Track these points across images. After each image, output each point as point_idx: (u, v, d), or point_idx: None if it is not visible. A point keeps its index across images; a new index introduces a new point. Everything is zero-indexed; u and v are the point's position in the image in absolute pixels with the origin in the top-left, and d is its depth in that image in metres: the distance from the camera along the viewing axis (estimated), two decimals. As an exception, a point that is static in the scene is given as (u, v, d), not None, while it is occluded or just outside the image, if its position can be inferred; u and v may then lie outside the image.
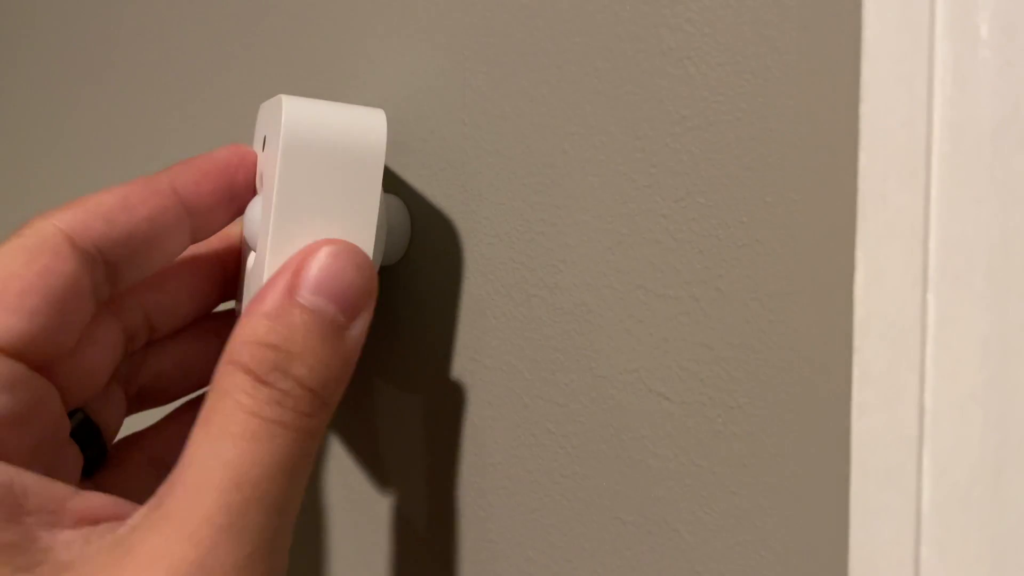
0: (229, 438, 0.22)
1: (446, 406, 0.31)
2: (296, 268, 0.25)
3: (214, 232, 0.29)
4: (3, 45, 0.54)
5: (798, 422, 0.23)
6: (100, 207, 0.26)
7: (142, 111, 0.43)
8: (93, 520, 0.23)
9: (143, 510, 0.23)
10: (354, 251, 0.26)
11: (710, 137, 0.24)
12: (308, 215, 0.26)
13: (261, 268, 0.26)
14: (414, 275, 0.30)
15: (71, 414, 0.27)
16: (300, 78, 0.34)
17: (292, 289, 0.25)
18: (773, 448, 0.24)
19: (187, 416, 0.31)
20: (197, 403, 0.31)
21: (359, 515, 0.34)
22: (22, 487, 0.23)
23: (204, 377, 0.30)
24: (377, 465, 0.33)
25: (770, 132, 0.23)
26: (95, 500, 0.23)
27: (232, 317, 0.31)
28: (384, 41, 0.31)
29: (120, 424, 0.29)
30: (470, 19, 0.29)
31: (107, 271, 0.26)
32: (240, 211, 0.29)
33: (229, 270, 0.31)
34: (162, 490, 0.23)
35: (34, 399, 0.24)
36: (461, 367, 0.30)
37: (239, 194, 0.28)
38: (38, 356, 0.24)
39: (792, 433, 0.24)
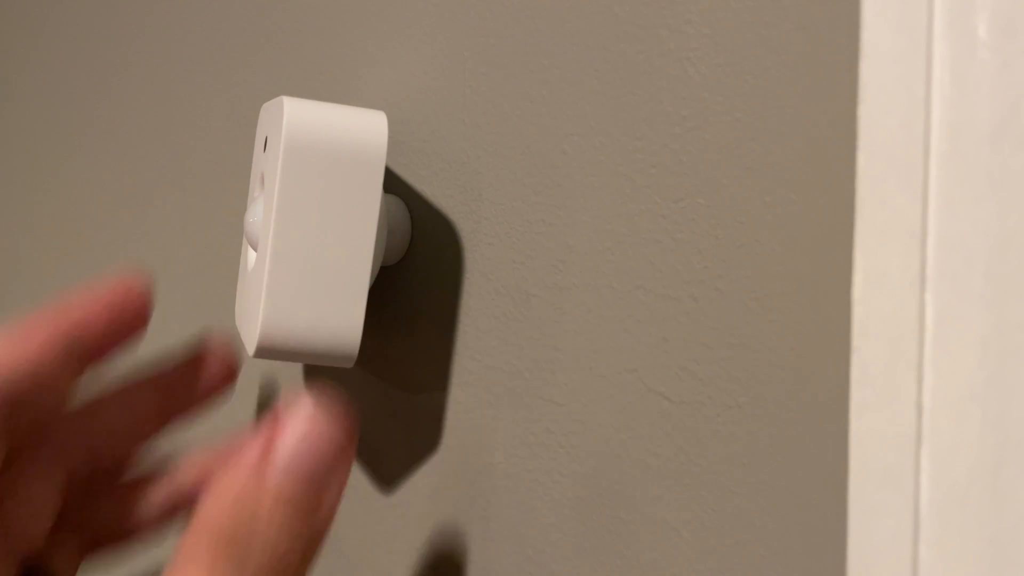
0: None
1: (446, 406, 0.31)
2: (267, 438, 0.24)
3: (105, 359, 0.28)
4: (3, 46, 0.54)
5: (797, 421, 0.23)
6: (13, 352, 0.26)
7: (145, 112, 0.44)
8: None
9: None
10: (325, 420, 0.25)
11: (709, 138, 0.24)
12: (309, 216, 0.26)
13: (262, 269, 0.26)
14: (414, 275, 0.30)
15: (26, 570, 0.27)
16: (301, 79, 0.34)
17: (264, 463, 0.24)
18: (772, 448, 0.24)
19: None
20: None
21: (359, 514, 0.34)
22: (6, 523, 0.23)
23: (159, 519, 0.30)
24: (377, 464, 0.33)
25: (769, 133, 0.23)
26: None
27: (193, 453, 0.30)
28: (385, 42, 0.31)
29: (74, 572, 0.29)
30: (470, 20, 0.29)
31: (10, 413, 0.26)
32: (128, 343, 0.28)
33: (166, 392, 0.30)
34: None
35: None
36: (461, 367, 0.30)
37: (124, 329, 0.28)
38: None
39: (791, 432, 0.24)
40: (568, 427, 0.28)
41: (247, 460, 0.24)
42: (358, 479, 0.34)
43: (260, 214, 0.28)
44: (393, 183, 0.31)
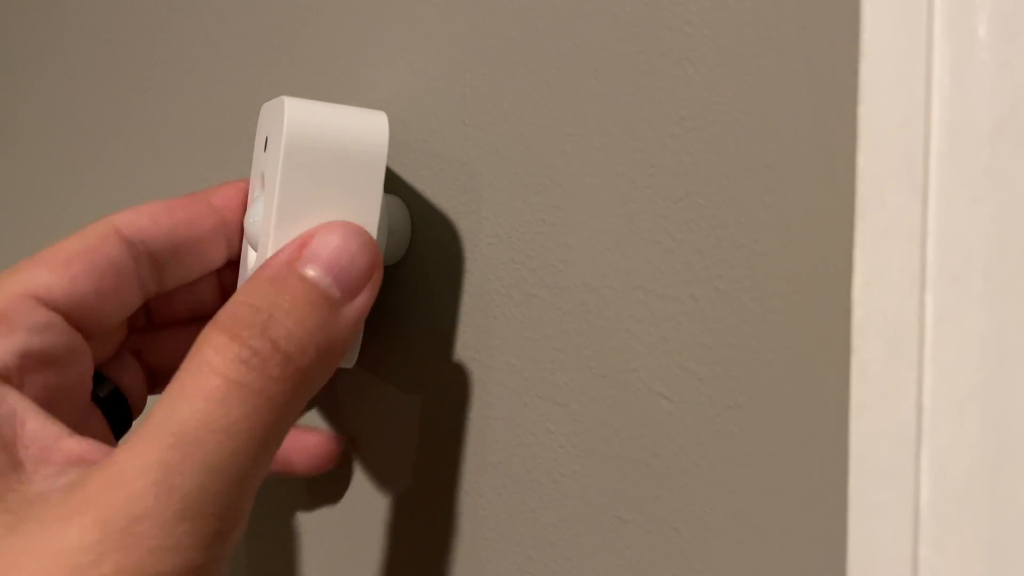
0: (185, 396, 0.22)
1: (446, 406, 0.31)
2: (301, 241, 0.25)
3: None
4: (3, 47, 0.54)
5: (797, 421, 0.23)
6: (146, 208, 0.28)
7: (144, 111, 0.44)
8: (79, 461, 0.24)
9: (105, 458, 0.23)
10: (360, 232, 0.26)
11: (709, 138, 0.24)
12: (310, 216, 0.26)
13: None
14: (414, 275, 0.30)
15: (101, 381, 0.29)
16: (302, 79, 0.34)
17: (293, 260, 0.25)
18: (772, 447, 0.24)
19: None
20: None
21: (360, 514, 0.34)
22: (22, 419, 0.24)
23: None
24: (377, 464, 0.33)
25: (769, 133, 0.23)
26: (87, 444, 0.24)
27: None
28: (385, 42, 0.31)
29: (144, 398, 0.30)
30: (470, 20, 0.29)
31: (152, 266, 0.28)
32: None
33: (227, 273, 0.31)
34: (121, 440, 0.24)
35: (64, 348, 0.26)
36: (461, 367, 0.30)
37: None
38: (76, 316, 0.26)
39: (791, 432, 0.24)
40: (568, 427, 0.28)
41: (281, 255, 0.25)
42: (358, 479, 0.34)
43: (260, 214, 0.28)
44: (393, 183, 0.31)
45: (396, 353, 0.32)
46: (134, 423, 0.30)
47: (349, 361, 0.29)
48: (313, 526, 0.36)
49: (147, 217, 0.28)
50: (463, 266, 0.29)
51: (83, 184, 0.49)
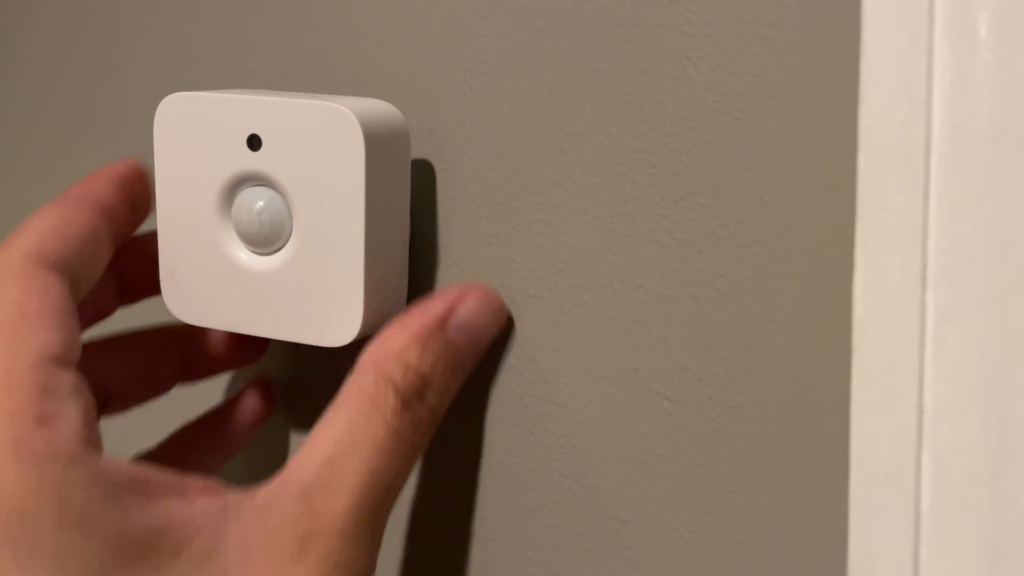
0: (372, 449, 0.25)
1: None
2: (451, 304, 0.27)
3: (127, 237, 0.29)
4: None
5: (798, 422, 0.23)
6: (51, 228, 0.27)
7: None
8: (210, 491, 0.24)
9: (273, 486, 0.24)
10: (497, 298, 0.28)
11: (710, 138, 0.24)
12: (381, 207, 0.28)
13: (351, 263, 0.27)
14: (414, 275, 0.30)
15: None
16: (301, 79, 0.34)
17: (444, 322, 0.27)
18: (773, 448, 0.24)
19: (184, 444, 0.32)
20: (194, 430, 0.32)
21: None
22: (144, 474, 0.24)
23: (162, 383, 0.32)
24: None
25: (769, 133, 0.23)
26: (193, 476, 0.24)
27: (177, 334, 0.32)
28: (385, 42, 0.31)
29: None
30: (470, 20, 0.29)
31: (72, 287, 0.27)
32: (142, 218, 0.29)
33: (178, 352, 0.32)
34: (299, 473, 0.24)
35: (88, 402, 0.25)
36: (461, 367, 0.30)
37: (139, 203, 0.29)
38: (73, 362, 0.26)
39: (791, 433, 0.24)
40: (568, 427, 0.28)
41: (432, 314, 0.27)
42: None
43: (267, 212, 0.28)
44: (393, 183, 0.31)
45: (396, 353, 0.32)
46: None
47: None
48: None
49: (57, 237, 0.26)
50: (463, 266, 0.29)
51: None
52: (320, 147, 0.27)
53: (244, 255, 0.29)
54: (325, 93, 0.32)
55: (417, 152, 0.30)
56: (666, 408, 0.26)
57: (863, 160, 0.20)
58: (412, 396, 0.26)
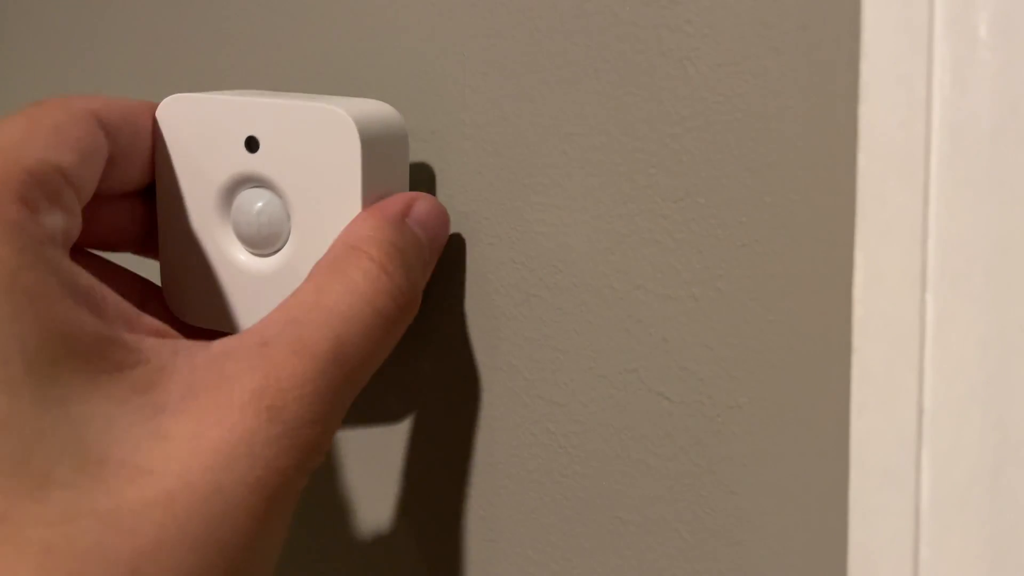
0: (341, 316, 0.24)
1: (446, 406, 0.31)
2: (407, 200, 0.27)
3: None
4: None
5: (797, 422, 0.23)
6: (117, 101, 0.27)
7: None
8: (163, 334, 0.24)
9: (235, 341, 0.23)
10: (440, 205, 0.28)
11: (709, 138, 0.24)
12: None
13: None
14: (414, 275, 0.30)
15: None
16: (301, 79, 0.34)
17: (405, 214, 0.27)
18: (772, 447, 0.24)
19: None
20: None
21: (360, 515, 0.34)
22: (101, 292, 0.23)
23: (123, 241, 0.31)
24: (378, 465, 0.33)
25: (769, 133, 0.23)
26: (156, 320, 0.24)
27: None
28: (384, 42, 0.31)
29: None
30: (471, 20, 0.29)
31: (109, 162, 0.27)
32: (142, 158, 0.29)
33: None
34: (264, 331, 0.24)
35: (78, 231, 0.25)
36: (461, 367, 0.30)
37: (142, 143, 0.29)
38: (80, 196, 0.25)
39: (791, 432, 0.24)
40: (568, 427, 0.28)
41: (392, 207, 0.27)
42: (357, 479, 0.34)
43: (267, 214, 0.28)
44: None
45: (396, 353, 0.32)
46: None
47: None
48: (313, 526, 0.36)
49: (118, 111, 0.27)
50: (463, 266, 0.29)
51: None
52: (317, 149, 0.27)
53: (244, 256, 0.29)
54: (325, 94, 0.32)
55: (417, 152, 0.30)
56: (666, 408, 0.26)
57: (863, 160, 0.20)
58: (388, 263, 0.25)
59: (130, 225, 0.30)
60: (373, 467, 0.34)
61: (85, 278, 0.23)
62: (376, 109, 0.28)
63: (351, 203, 0.27)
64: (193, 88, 0.36)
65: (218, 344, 0.23)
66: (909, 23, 0.20)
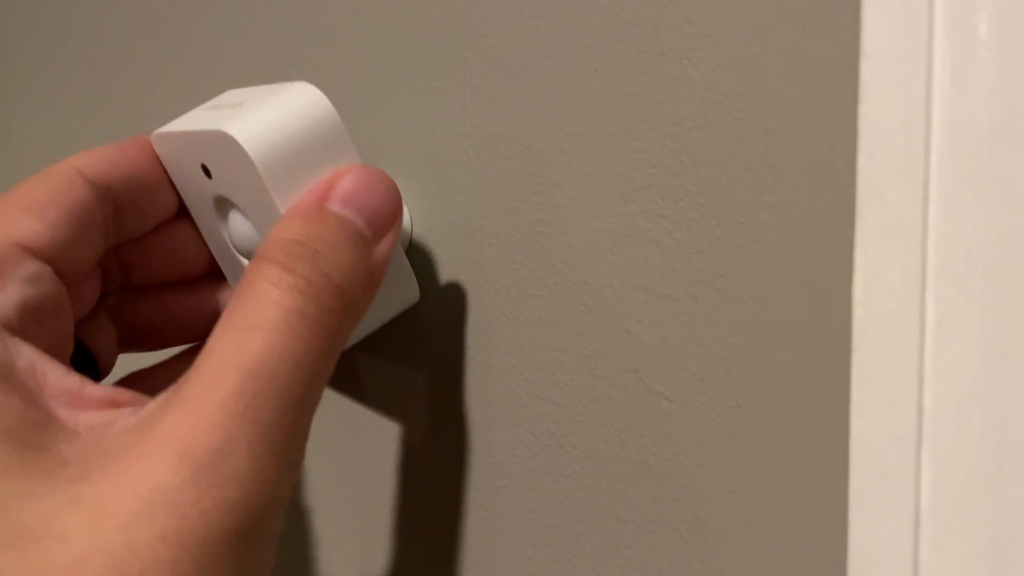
0: (249, 329, 0.22)
1: (446, 406, 0.31)
2: (328, 183, 0.26)
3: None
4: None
5: (797, 422, 0.24)
6: (100, 151, 0.28)
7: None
8: (112, 405, 0.23)
9: (162, 395, 0.23)
10: (381, 173, 0.26)
11: (709, 138, 0.24)
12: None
13: None
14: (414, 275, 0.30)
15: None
16: (299, 78, 0.34)
17: (323, 199, 0.25)
18: (772, 448, 0.24)
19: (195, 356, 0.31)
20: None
21: (360, 514, 0.34)
22: (43, 370, 0.23)
23: (196, 331, 0.31)
24: (378, 465, 0.33)
25: (769, 133, 0.23)
26: (111, 389, 0.24)
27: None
28: (384, 42, 0.31)
29: (114, 358, 0.30)
30: (470, 20, 0.29)
31: (114, 210, 0.27)
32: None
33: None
34: (182, 377, 0.23)
35: (55, 300, 0.25)
36: (461, 367, 0.30)
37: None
38: (58, 266, 0.26)
39: (791, 432, 0.24)
40: (568, 427, 0.28)
41: (309, 197, 0.25)
42: (357, 478, 0.34)
43: (245, 228, 0.28)
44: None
45: (396, 353, 0.32)
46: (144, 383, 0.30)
47: (414, 296, 0.29)
48: (313, 526, 0.36)
49: (105, 160, 0.27)
50: (463, 266, 0.29)
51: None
52: (232, 167, 0.26)
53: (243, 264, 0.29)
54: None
55: (417, 152, 0.30)
56: (666, 408, 0.26)
57: (863, 160, 0.20)
58: (296, 260, 0.24)
59: (199, 243, 0.31)
60: (373, 467, 0.34)
61: (25, 358, 0.23)
62: (292, 101, 0.27)
63: (273, 213, 0.26)
64: (196, 88, 0.36)
65: (151, 402, 0.23)
66: (909, 23, 0.20)
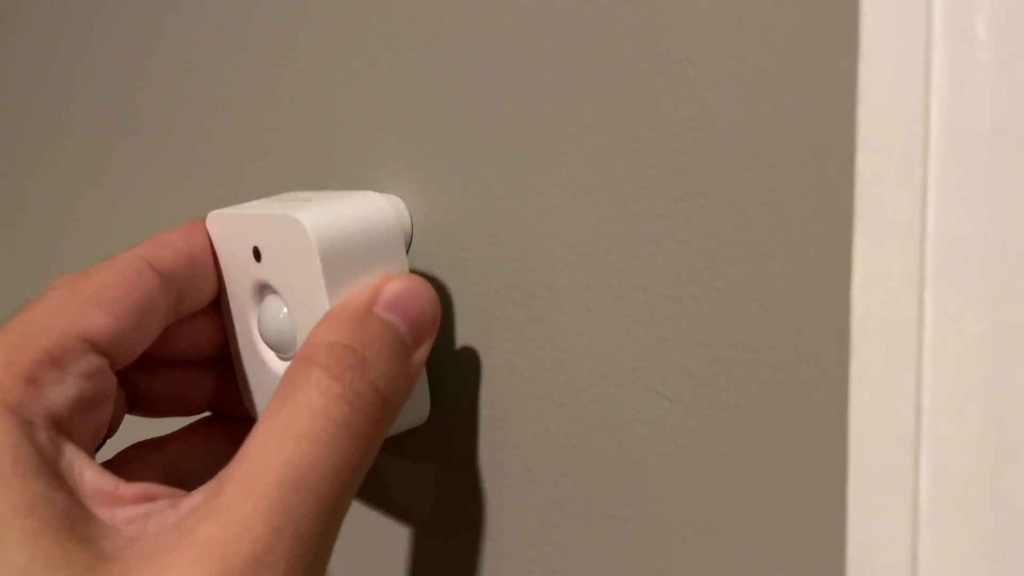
0: (294, 437, 0.23)
1: (446, 406, 0.31)
2: (375, 287, 0.26)
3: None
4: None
5: (796, 421, 0.24)
6: (163, 239, 0.28)
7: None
8: (148, 499, 0.24)
9: (200, 494, 0.23)
10: (426, 284, 0.27)
11: (709, 138, 0.24)
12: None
13: None
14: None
15: None
16: (299, 80, 0.34)
17: (371, 303, 0.26)
18: (772, 447, 0.24)
19: (210, 429, 0.32)
20: (221, 419, 0.32)
21: (359, 514, 0.34)
22: (80, 470, 0.24)
23: (192, 407, 0.32)
24: (377, 465, 0.33)
25: (768, 133, 0.23)
26: (145, 486, 0.24)
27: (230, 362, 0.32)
28: (384, 43, 0.31)
29: (121, 419, 0.30)
30: (470, 20, 0.29)
31: (177, 299, 0.28)
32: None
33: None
34: (223, 474, 0.23)
35: (105, 393, 0.26)
36: (461, 367, 0.30)
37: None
38: (115, 357, 0.26)
39: (791, 432, 0.24)
40: (568, 427, 0.28)
41: (357, 299, 0.26)
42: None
43: (281, 319, 0.28)
44: (393, 183, 0.31)
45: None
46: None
47: (421, 417, 0.30)
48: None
49: (170, 249, 0.28)
50: (463, 266, 0.30)
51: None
52: (292, 255, 0.27)
53: (270, 358, 0.30)
54: (321, 96, 0.32)
55: (417, 153, 0.30)
56: (666, 408, 0.26)
57: (861, 161, 0.20)
58: (345, 368, 0.24)
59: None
60: (372, 467, 0.34)
61: (66, 459, 0.24)
62: (358, 204, 0.28)
63: (321, 305, 0.27)
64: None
65: (188, 499, 0.23)
66: (907, 24, 0.20)
